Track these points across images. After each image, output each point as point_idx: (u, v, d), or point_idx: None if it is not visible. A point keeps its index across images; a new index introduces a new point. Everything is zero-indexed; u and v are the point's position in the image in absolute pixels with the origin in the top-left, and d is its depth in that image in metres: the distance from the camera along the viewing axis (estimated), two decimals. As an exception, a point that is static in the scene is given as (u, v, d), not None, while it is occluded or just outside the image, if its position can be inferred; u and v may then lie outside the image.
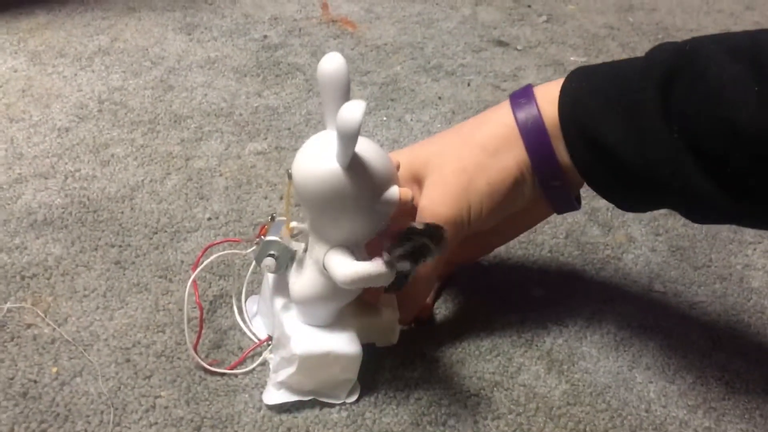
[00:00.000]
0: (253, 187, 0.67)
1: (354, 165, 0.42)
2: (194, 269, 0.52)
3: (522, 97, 0.50)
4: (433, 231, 0.42)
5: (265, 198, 0.66)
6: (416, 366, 0.52)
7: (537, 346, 0.55)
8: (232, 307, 0.55)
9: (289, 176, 0.44)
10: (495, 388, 0.51)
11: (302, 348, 0.47)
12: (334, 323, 0.49)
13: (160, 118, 0.75)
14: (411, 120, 0.80)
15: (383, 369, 0.51)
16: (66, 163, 0.67)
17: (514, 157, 0.49)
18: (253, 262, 0.52)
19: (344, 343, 0.48)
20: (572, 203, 0.52)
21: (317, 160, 0.42)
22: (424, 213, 0.49)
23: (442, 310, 0.57)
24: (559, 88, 0.49)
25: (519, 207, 0.52)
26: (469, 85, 0.88)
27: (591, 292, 0.61)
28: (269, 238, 0.48)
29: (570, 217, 0.68)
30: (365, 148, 0.43)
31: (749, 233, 0.68)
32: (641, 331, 0.57)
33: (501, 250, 0.63)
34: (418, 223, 0.42)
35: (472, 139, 0.51)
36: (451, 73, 0.91)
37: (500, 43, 0.99)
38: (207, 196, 0.66)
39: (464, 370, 0.52)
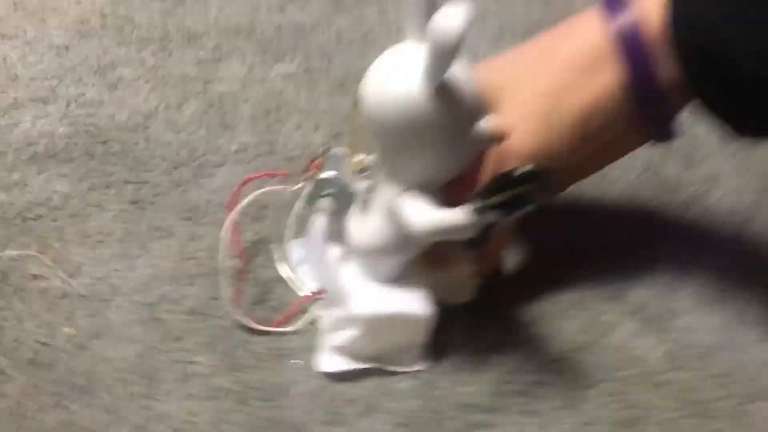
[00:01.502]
0: (283, 115, 0.59)
1: (445, 87, 0.33)
2: (230, 209, 0.44)
3: (616, 1, 0.41)
4: (535, 176, 0.34)
5: (298, 128, 0.57)
6: (491, 326, 0.44)
7: (626, 300, 0.47)
8: (271, 254, 0.47)
9: (356, 104, 0.35)
10: (583, 350, 0.44)
11: (365, 309, 0.39)
12: (402, 278, 0.41)
13: (172, 36, 0.65)
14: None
15: (454, 330, 0.44)
16: (68, 87, 0.58)
17: (608, 75, 0.41)
18: (297, 203, 0.44)
19: (414, 303, 0.40)
20: (672, 131, 0.44)
21: (399, 79, 0.34)
22: (501, 148, 0.41)
23: (511, 259, 0.50)
24: None
25: (612, 137, 0.43)
26: None
27: (678, 236, 0.53)
28: (326, 174, 0.40)
29: (644, 151, 0.60)
30: (456, 67, 0.34)
31: None
32: (742, 280, 0.49)
33: (571, 188, 0.55)
34: (519, 168, 0.34)
35: (556, 54, 0.42)
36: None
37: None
38: (231, 125, 0.57)
39: (545, 329, 0.45)
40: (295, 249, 0.47)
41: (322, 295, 0.43)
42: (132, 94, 0.58)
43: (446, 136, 0.34)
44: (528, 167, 0.33)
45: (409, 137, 0.34)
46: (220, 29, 0.67)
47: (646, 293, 0.48)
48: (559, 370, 0.42)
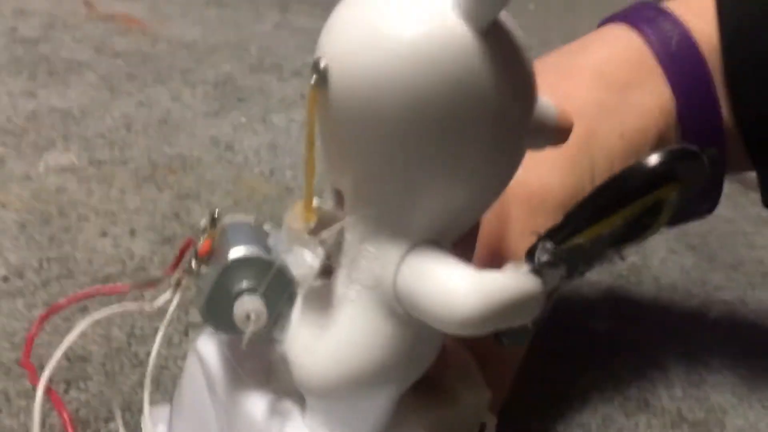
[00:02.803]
0: (74, 221, 0.38)
1: (499, 28, 0.18)
2: (30, 371, 0.22)
3: (647, 9, 0.30)
4: (684, 167, 0.19)
5: (104, 235, 0.37)
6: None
7: (652, 405, 0.33)
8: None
9: (319, 74, 0.18)
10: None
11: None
12: (389, 426, 0.23)
13: None
14: (280, 121, 0.56)
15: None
16: None
17: (655, 95, 0.29)
18: (160, 332, 0.24)
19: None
20: (719, 189, 0.32)
21: (420, 13, 0.17)
22: (519, 187, 0.26)
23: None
24: None
25: None
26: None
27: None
28: (237, 252, 0.21)
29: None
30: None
31: None
32: None
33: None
34: (648, 158, 0.19)
35: (582, 63, 0.30)
36: (298, 73, 0.68)
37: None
38: (-12, 241, 0.35)
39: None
40: (158, 422, 0.26)
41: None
42: None
43: (497, 118, 0.18)
44: (662, 152, 0.19)
45: (434, 123, 0.17)
46: (-61, 119, 0.45)
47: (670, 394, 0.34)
48: None
